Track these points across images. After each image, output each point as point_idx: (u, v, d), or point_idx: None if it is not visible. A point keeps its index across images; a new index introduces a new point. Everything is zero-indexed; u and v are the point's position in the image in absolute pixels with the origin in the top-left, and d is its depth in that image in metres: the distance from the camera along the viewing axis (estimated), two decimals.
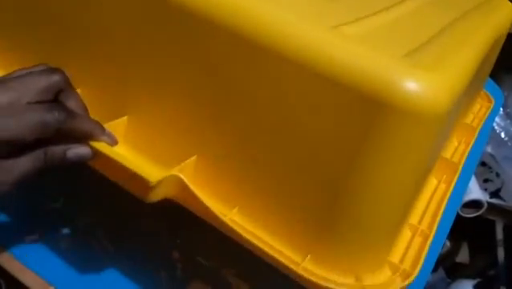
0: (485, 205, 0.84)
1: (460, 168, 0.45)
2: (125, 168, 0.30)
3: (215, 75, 0.32)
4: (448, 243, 0.99)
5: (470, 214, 0.85)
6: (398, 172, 0.29)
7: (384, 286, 0.33)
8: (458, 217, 0.80)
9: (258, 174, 0.33)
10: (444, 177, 0.45)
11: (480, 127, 0.53)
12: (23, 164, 0.29)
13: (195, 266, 0.42)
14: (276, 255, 0.31)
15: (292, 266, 0.31)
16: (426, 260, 0.48)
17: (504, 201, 0.90)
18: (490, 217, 0.92)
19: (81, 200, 0.45)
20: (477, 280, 0.92)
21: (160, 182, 0.30)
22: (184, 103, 0.34)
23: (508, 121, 0.92)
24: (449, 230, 0.55)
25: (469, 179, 0.68)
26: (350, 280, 0.33)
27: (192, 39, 0.31)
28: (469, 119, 0.55)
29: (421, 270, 0.47)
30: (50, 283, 0.39)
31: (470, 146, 0.49)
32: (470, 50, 0.36)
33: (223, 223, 0.32)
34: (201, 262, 0.42)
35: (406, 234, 0.38)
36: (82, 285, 0.40)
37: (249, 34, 0.29)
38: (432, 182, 0.44)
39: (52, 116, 0.29)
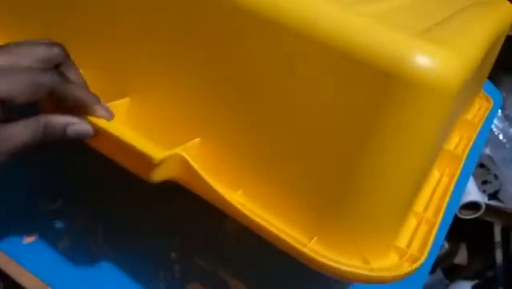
0: (484, 206, 0.84)
1: (463, 161, 0.45)
2: (128, 145, 0.29)
3: (221, 53, 0.31)
4: (446, 245, 0.99)
5: (468, 216, 0.85)
6: (408, 149, 0.29)
7: (391, 269, 0.32)
8: (456, 218, 0.80)
9: (263, 155, 0.32)
10: (447, 170, 0.45)
11: (481, 124, 0.53)
12: (22, 134, 0.28)
13: (193, 267, 0.41)
14: (282, 236, 0.30)
15: (299, 246, 0.30)
16: (425, 261, 0.48)
17: (502, 202, 0.90)
18: (488, 219, 0.92)
19: (79, 201, 0.45)
20: (475, 282, 0.93)
21: (163, 161, 0.29)
22: (187, 84, 0.33)
23: (506, 123, 0.92)
24: (447, 231, 0.55)
25: (468, 180, 0.68)
26: (357, 263, 0.32)
27: (197, 16, 0.31)
28: (469, 116, 0.55)
29: (420, 271, 0.47)
30: (48, 285, 0.39)
31: (472, 141, 0.49)
32: (480, 35, 0.36)
33: (228, 204, 0.31)
34: (198, 263, 0.42)
35: (411, 222, 0.37)
36: (80, 286, 0.39)
37: (261, 9, 0.29)
38: (435, 175, 0.44)
39: (46, 77, 0.28)
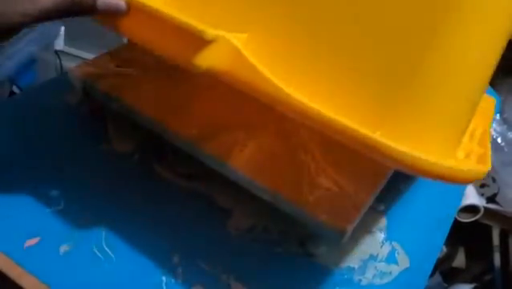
0: (482, 210, 0.84)
1: (491, 119, 0.42)
2: (174, 21, 0.26)
3: None
4: (444, 248, 0.99)
5: (467, 219, 0.85)
6: (479, 39, 0.27)
7: (462, 166, 0.29)
8: (455, 221, 0.80)
9: (319, 46, 0.29)
10: (480, 126, 0.42)
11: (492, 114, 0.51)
12: None
13: (196, 271, 0.41)
14: (349, 124, 0.27)
15: (369, 133, 0.26)
16: (426, 263, 0.48)
17: (500, 206, 0.90)
18: (487, 222, 0.92)
19: (81, 204, 0.45)
20: (474, 285, 0.93)
21: (214, 40, 0.26)
22: None
23: (505, 126, 0.92)
24: (447, 234, 0.55)
25: None
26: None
27: None
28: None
29: (420, 273, 0.47)
30: (49, 288, 0.39)
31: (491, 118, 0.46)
32: None
33: (284, 94, 0.27)
34: (201, 266, 0.42)
35: (460, 154, 0.34)
36: None
37: None
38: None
39: None
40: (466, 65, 0.28)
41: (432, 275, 0.93)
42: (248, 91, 0.29)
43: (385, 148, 0.26)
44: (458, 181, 0.28)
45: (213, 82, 0.52)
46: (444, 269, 0.99)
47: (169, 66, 0.53)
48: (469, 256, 1.01)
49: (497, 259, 0.95)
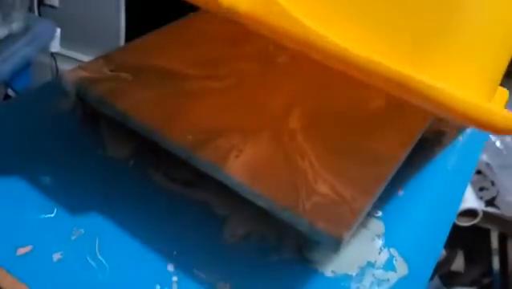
0: (481, 213, 0.84)
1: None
2: None
3: None
4: (443, 251, 0.99)
5: (466, 223, 0.85)
6: None
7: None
8: (454, 225, 0.80)
9: None
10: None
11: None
12: None
13: (191, 279, 0.41)
14: (389, 65, 0.25)
15: (411, 74, 0.24)
16: (424, 270, 0.47)
17: (499, 209, 0.90)
18: (485, 226, 0.92)
19: (75, 211, 0.44)
20: (473, 288, 0.93)
21: None
22: None
23: None
24: (446, 238, 0.55)
25: (466, 187, 0.68)
26: None
27: None
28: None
29: (419, 280, 0.47)
30: None
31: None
32: None
33: (316, 36, 0.26)
34: (197, 274, 0.41)
35: None
36: None
37: None
38: None
39: None
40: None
41: (431, 279, 0.93)
42: (273, 34, 0.27)
43: (434, 91, 0.24)
44: (502, 131, 0.26)
45: (210, 85, 0.51)
46: (443, 272, 0.98)
47: (165, 70, 0.53)
48: (467, 259, 1.01)
49: (495, 262, 0.95)
